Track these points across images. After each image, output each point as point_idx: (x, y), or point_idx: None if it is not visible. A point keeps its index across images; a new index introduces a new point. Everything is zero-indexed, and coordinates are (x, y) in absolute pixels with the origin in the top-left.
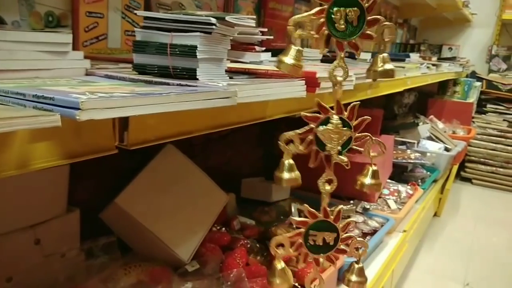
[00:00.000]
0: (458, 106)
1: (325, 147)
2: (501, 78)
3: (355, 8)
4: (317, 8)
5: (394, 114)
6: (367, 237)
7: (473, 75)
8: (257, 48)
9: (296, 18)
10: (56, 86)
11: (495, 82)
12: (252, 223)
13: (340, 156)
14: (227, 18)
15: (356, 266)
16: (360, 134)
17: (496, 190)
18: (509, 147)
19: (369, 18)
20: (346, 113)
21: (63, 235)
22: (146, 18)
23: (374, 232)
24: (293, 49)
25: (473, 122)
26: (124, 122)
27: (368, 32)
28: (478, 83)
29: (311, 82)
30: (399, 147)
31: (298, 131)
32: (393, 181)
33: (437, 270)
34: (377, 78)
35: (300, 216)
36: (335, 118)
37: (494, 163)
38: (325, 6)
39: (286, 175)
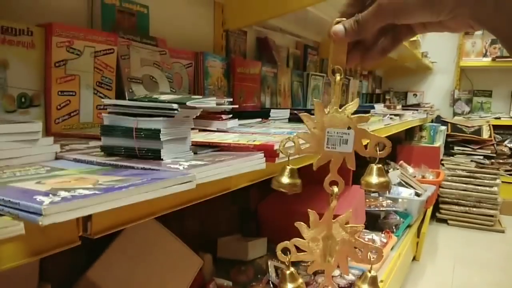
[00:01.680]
0: (426, 151)
1: None
2: (465, 120)
3: None
4: None
5: (365, 161)
6: None
7: (438, 119)
8: (223, 116)
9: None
10: (24, 180)
11: (459, 125)
12: (229, 285)
13: None
14: (188, 103)
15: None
16: None
17: (472, 229)
18: (479, 187)
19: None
20: None
21: None
22: (112, 105)
23: (350, 285)
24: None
25: (442, 164)
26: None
27: None
28: (443, 127)
29: (270, 154)
30: (371, 194)
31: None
32: (367, 230)
33: None
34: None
35: (277, 274)
36: None
37: (466, 203)
38: None
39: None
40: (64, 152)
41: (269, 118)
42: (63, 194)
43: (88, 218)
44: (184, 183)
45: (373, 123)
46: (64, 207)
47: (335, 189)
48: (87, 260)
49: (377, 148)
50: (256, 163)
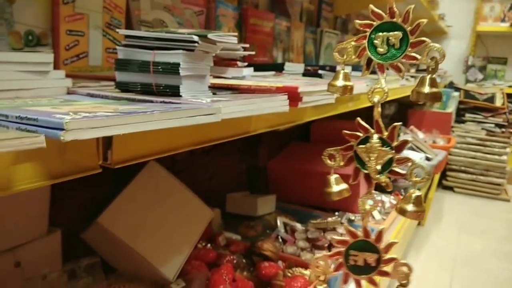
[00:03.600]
0: (437, 116)
1: (365, 166)
2: (478, 88)
3: (397, 32)
4: (359, 35)
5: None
6: None
7: (451, 85)
8: (239, 63)
9: (339, 45)
10: (37, 106)
11: (472, 92)
12: (238, 238)
13: (379, 176)
14: (209, 35)
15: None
16: (401, 157)
17: (478, 197)
18: (488, 155)
19: (412, 40)
20: (386, 133)
21: (44, 257)
22: (127, 36)
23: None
24: (341, 73)
25: (453, 131)
26: (107, 141)
27: (412, 54)
28: (456, 93)
29: (293, 96)
30: None
31: (339, 147)
32: (377, 192)
33: (423, 280)
34: (424, 101)
35: (286, 231)
36: (374, 137)
37: (474, 171)
38: (367, 33)
39: (335, 188)
40: (76, 88)
41: (283, 72)
42: (84, 114)
43: (108, 146)
44: (209, 114)
45: (389, 82)
46: (87, 123)
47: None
48: (96, 209)
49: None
50: (279, 104)
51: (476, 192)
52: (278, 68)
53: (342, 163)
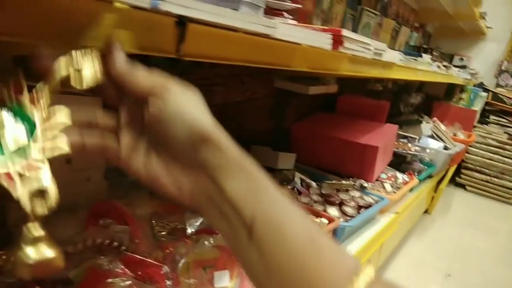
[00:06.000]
0: (462, 112)
1: None
2: (508, 92)
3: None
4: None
5: (400, 112)
6: (361, 210)
7: (480, 85)
8: (285, 14)
9: None
10: None
11: (501, 95)
12: None
13: None
14: None
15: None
16: None
17: (489, 199)
18: (506, 159)
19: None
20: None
21: (90, 159)
22: None
23: (368, 206)
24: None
25: (475, 130)
26: (181, 35)
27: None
28: (484, 94)
29: (337, 38)
30: (401, 140)
31: None
32: (392, 168)
33: (422, 260)
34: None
35: (301, 185)
36: None
37: (489, 173)
38: None
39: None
40: None
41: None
42: None
43: (182, 39)
44: (269, 26)
45: (421, 64)
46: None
47: None
48: None
49: None
50: (324, 41)
51: (488, 193)
52: None
53: None
